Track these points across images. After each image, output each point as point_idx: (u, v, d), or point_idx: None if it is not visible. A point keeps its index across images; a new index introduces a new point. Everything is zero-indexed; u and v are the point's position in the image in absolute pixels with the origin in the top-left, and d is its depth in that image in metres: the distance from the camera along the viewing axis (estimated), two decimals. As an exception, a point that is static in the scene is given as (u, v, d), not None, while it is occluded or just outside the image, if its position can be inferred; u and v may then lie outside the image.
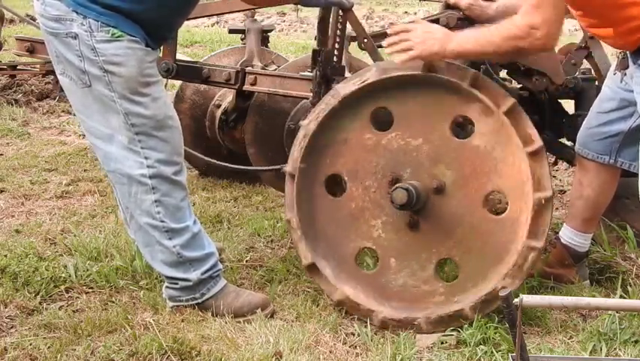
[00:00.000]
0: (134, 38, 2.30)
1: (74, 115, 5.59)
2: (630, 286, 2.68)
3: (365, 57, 4.58)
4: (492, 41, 2.30)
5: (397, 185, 2.40)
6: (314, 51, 2.90)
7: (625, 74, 2.59)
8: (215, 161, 3.59)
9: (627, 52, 2.54)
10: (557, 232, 2.95)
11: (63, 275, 2.74)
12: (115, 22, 2.27)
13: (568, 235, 2.82)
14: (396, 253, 2.49)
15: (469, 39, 2.36)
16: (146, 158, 2.37)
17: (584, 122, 2.79)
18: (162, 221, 2.43)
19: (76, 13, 2.26)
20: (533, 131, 2.32)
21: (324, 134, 2.53)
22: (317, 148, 2.53)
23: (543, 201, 2.29)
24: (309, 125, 2.53)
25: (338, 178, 2.58)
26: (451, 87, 2.38)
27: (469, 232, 2.40)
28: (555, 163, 4.06)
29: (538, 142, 2.32)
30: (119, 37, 2.28)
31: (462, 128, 2.55)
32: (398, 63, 2.39)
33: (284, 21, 13.63)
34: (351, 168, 2.52)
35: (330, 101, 2.52)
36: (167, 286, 2.56)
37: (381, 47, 3.13)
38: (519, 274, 2.33)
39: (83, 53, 2.28)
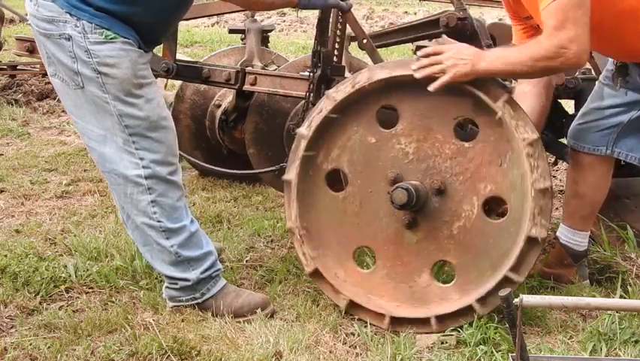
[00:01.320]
0: (127, 40, 2.30)
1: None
2: (630, 286, 2.68)
3: (365, 57, 4.59)
4: (522, 62, 2.27)
5: (397, 185, 2.40)
6: (314, 51, 2.90)
7: (625, 81, 2.59)
8: (212, 167, 3.61)
9: (628, 63, 2.55)
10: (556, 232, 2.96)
11: (63, 275, 2.74)
12: (108, 24, 2.27)
13: (565, 235, 2.82)
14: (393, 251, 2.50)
15: (499, 59, 2.31)
16: (141, 159, 2.37)
17: (577, 118, 2.78)
18: (159, 221, 2.43)
19: (70, 14, 2.26)
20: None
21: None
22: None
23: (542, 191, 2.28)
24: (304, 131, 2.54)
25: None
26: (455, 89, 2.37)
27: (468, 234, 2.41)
28: (555, 163, 4.06)
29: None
30: (112, 39, 2.28)
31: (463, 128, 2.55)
32: (430, 90, 2.33)
33: (284, 21, 13.62)
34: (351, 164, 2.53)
35: (324, 106, 2.52)
36: (167, 287, 2.56)
37: (380, 47, 3.14)
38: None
39: (76, 55, 2.27)
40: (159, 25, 2.44)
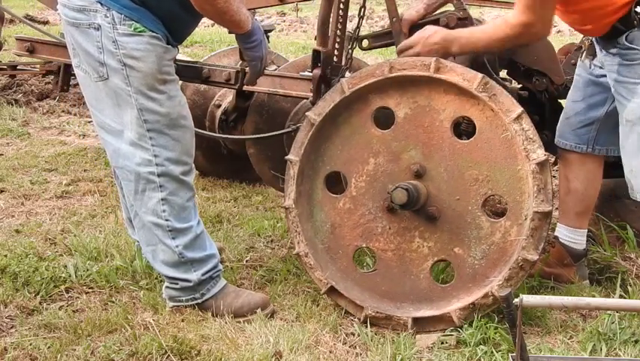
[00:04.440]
0: (155, 34, 2.32)
1: (74, 115, 5.65)
2: (630, 286, 2.68)
3: (365, 57, 4.58)
4: (491, 44, 2.50)
5: (397, 185, 2.39)
6: (314, 51, 2.89)
7: (592, 60, 2.65)
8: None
9: (594, 38, 2.57)
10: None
11: (63, 275, 2.74)
12: (138, 16, 2.29)
13: (564, 233, 2.82)
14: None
15: (469, 45, 2.51)
16: (155, 156, 2.38)
17: (562, 114, 2.82)
18: (167, 220, 2.43)
19: (101, 4, 2.28)
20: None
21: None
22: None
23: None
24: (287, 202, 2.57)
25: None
26: (456, 89, 2.37)
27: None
28: (555, 163, 4.05)
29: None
30: (140, 31, 2.29)
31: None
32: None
33: (284, 21, 13.61)
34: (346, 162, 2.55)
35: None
36: (167, 287, 2.56)
37: (380, 47, 3.13)
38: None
39: (103, 45, 2.29)
40: (187, 18, 2.43)
